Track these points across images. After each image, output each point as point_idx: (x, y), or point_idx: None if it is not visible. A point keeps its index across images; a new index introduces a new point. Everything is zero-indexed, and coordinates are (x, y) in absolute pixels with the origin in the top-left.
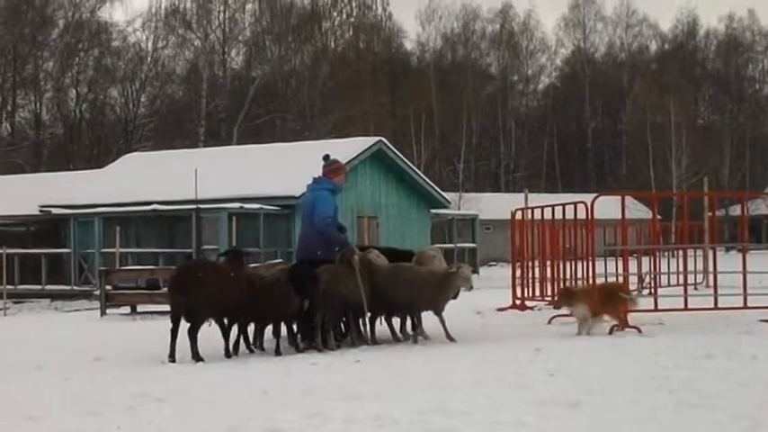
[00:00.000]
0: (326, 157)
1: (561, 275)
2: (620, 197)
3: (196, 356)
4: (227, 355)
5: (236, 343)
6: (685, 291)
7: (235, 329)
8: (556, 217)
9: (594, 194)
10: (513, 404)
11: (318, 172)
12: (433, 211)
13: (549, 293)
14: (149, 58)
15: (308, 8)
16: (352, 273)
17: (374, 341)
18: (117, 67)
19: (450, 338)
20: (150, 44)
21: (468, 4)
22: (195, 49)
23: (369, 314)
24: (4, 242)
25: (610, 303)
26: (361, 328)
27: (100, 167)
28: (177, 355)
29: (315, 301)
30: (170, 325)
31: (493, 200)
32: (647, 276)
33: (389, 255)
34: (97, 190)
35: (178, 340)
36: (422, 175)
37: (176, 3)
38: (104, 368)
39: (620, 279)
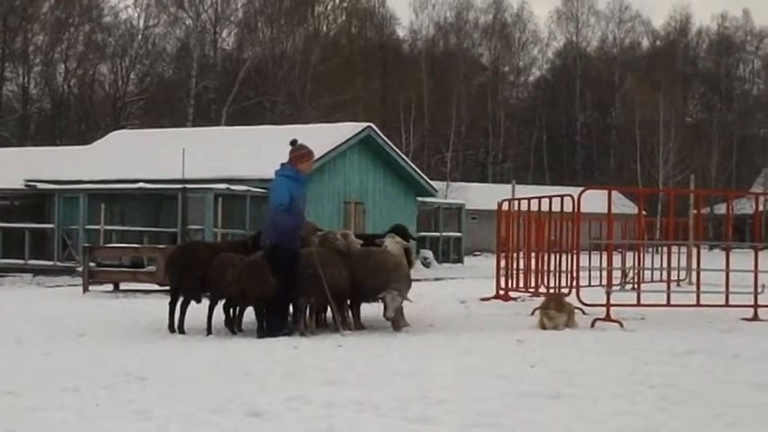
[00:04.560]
0: (293, 142)
1: (546, 267)
2: (606, 191)
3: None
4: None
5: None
6: (668, 287)
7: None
8: (542, 209)
9: (582, 188)
10: (495, 394)
11: None
12: (420, 199)
13: (533, 285)
14: (140, 36)
15: None
16: (333, 258)
17: (358, 326)
18: (107, 44)
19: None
20: (141, 21)
21: None
22: (186, 29)
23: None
24: None
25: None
26: (345, 313)
27: (87, 144)
28: (159, 333)
29: (298, 285)
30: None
31: (480, 190)
32: (631, 271)
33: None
34: (83, 166)
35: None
36: (410, 163)
37: None
38: (86, 345)
39: (604, 273)
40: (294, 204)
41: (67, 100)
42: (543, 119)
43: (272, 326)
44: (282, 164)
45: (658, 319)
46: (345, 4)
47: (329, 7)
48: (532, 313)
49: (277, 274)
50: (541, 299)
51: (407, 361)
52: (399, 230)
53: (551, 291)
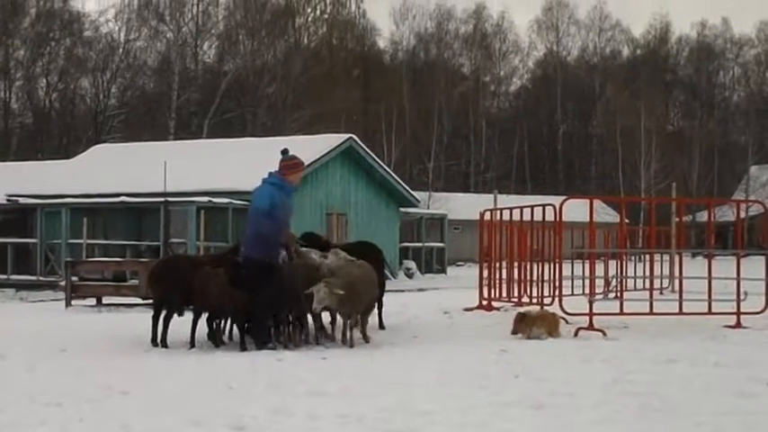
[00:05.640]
0: (285, 152)
1: (528, 277)
2: (588, 200)
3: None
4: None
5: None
6: (651, 295)
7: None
8: (524, 218)
9: (563, 197)
10: (478, 405)
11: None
12: (402, 209)
13: (516, 295)
14: (121, 50)
15: (282, 3)
16: (314, 269)
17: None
18: (88, 58)
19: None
20: (122, 35)
21: (442, 3)
22: (167, 42)
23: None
24: None
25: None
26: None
27: (69, 158)
28: (142, 347)
29: (280, 297)
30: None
31: (462, 200)
32: (614, 280)
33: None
34: (65, 180)
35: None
36: (392, 174)
37: None
38: (68, 359)
39: (587, 282)
40: (275, 212)
41: (49, 114)
42: (525, 128)
43: (255, 337)
44: (270, 172)
45: (641, 328)
46: (326, 16)
47: (310, 19)
48: None
49: (253, 285)
50: (523, 309)
51: (391, 372)
52: (309, 237)
53: (526, 305)
